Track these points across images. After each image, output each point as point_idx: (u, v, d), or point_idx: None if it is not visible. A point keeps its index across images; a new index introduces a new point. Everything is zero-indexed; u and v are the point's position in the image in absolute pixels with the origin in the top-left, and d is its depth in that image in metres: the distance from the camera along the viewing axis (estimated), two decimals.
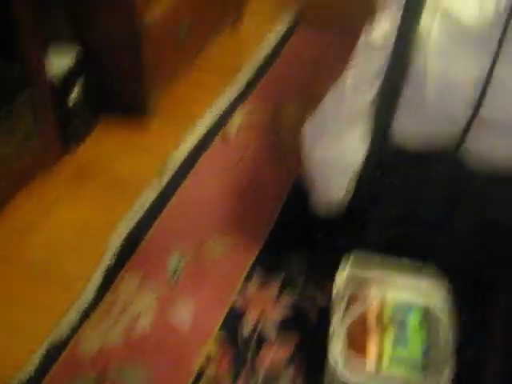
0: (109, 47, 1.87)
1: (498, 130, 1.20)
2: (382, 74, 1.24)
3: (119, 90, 1.98)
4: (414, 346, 1.33)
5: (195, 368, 1.40)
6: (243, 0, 2.53)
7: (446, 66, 1.17)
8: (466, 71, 1.16)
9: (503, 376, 1.40)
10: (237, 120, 2.12)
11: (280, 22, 2.61)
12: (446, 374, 1.23)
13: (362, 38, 1.28)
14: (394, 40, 1.19)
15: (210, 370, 1.40)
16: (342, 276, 1.41)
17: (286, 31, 2.57)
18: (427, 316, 1.40)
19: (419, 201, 1.48)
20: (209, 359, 1.42)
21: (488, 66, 1.13)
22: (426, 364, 1.31)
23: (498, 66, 1.13)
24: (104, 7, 1.78)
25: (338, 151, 1.35)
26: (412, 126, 1.28)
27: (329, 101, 1.37)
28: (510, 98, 1.15)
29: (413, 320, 1.38)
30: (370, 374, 1.26)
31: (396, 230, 1.58)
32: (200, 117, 2.12)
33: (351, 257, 1.43)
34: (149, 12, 1.81)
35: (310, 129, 1.46)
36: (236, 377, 1.39)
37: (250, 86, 2.28)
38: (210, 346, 1.44)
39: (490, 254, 1.50)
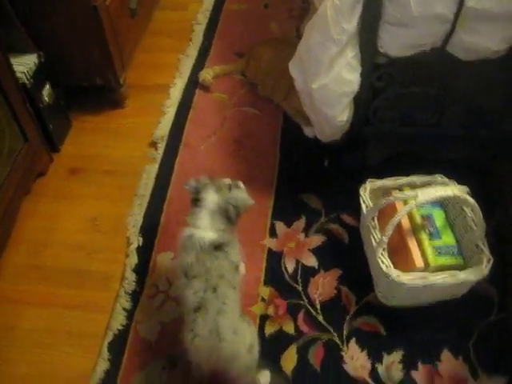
0: (72, 39, 1.83)
1: (481, 18, 1.27)
2: None
3: (89, 78, 1.93)
4: (447, 235, 1.44)
5: (258, 313, 1.47)
6: None
7: None
8: None
9: None
10: (209, 74, 2.11)
11: None
12: (486, 252, 1.35)
13: None
14: None
15: (270, 312, 1.47)
16: (366, 191, 1.49)
17: None
18: (448, 208, 1.51)
19: (414, 106, 1.56)
20: (265, 302, 1.49)
21: None
22: (465, 248, 1.42)
23: None
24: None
25: (334, 76, 1.39)
26: (401, 36, 1.34)
27: (313, 35, 1.40)
28: None
29: (437, 213, 1.49)
30: (422, 270, 1.36)
31: (395, 145, 1.68)
32: (171, 82, 2.13)
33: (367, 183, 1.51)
34: None
35: (298, 66, 1.49)
36: (295, 310, 1.48)
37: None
38: (261, 289, 1.52)
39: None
